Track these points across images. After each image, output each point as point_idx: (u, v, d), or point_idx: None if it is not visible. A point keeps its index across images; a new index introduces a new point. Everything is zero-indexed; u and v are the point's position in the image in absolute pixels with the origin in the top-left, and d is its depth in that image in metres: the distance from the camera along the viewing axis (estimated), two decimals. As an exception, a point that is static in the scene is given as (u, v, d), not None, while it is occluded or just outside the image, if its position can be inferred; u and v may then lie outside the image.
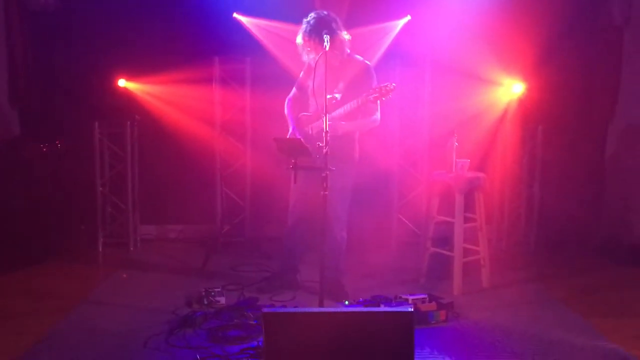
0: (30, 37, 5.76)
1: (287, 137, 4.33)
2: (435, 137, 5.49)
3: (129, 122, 5.69)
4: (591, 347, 3.63)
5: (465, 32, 5.21)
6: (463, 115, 5.29)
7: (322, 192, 3.65)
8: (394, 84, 4.03)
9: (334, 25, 4.18)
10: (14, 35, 5.63)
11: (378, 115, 4.33)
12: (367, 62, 4.42)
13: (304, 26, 4.24)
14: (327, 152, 3.64)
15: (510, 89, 5.42)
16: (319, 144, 3.71)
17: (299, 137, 4.22)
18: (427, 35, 5.38)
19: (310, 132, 4.33)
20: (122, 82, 5.66)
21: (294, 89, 4.58)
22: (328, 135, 3.66)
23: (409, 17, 5.39)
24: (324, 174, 3.64)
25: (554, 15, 5.31)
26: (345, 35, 4.28)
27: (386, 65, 5.55)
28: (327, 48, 3.78)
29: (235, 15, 5.44)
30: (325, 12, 4.25)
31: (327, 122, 3.70)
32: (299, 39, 4.27)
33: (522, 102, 5.44)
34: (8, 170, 5.34)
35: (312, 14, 4.25)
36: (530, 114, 5.52)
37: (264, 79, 5.51)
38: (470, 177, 4.58)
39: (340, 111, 4.20)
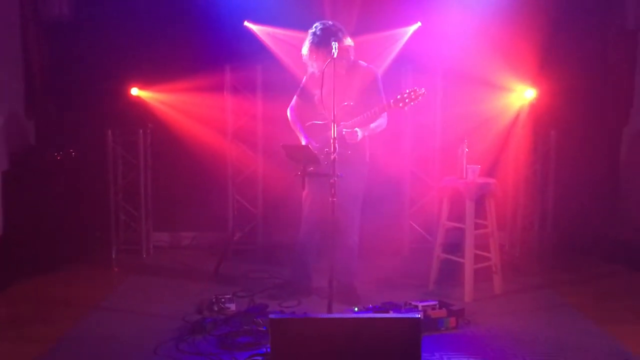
0: (45, 48, 5.85)
1: (297, 144, 4.35)
2: (447, 143, 5.48)
3: (141, 130, 5.75)
4: (605, 354, 3.58)
5: (476, 37, 5.20)
6: (474, 121, 5.28)
7: (330, 199, 3.65)
8: (424, 89, 4.04)
9: (340, 34, 4.20)
10: (30, 47, 5.73)
11: (385, 119, 4.36)
12: (372, 67, 4.45)
13: (309, 37, 4.27)
14: (335, 158, 3.64)
15: (521, 95, 5.39)
16: (326, 150, 3.73)
17: (307, 144, 4.26)
18: (438, 41, 5.38)
19: (329, 139, 4.32)
20: (135, 91, 5.73)
21: (295, 98, 4.59)
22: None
23: (419, 24, 5.40)
24: (331, 180, 3.64)
25: (567, 20, 5.29)
26: (350, 43, 4.30)
27: (397, 71, 5.57)
28: (335, 55, 3.78)
29: (246, 23, 5.49)
30: (331, 22, 4.28)
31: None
32: (305, 50, 4.31)
33: (533, 107, 5.41)
34: (24, 178, 5.42)
35: (318, 25, 4.27)
36: (542, 119, 5.48)
37: (275, 86, 5.51)
38: (480, 183, 4.55)
39: (358, 119, 4.22)
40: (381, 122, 4.34)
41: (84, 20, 5.79)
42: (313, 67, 4.37)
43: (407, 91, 4.05)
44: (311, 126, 4.46)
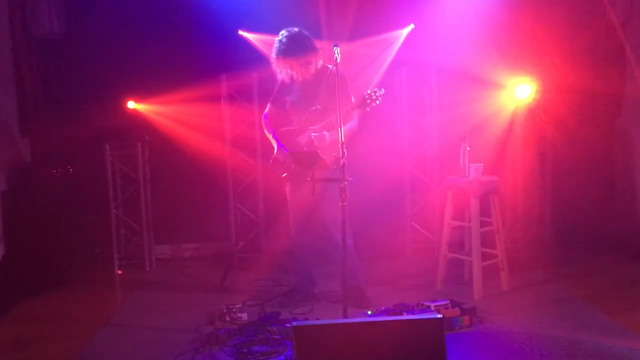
0: (37, 64, 5.79)
1: (275, 153, 4.39)
2: (445, 142, 5.53)
3: (139, 143, 5.74)
4: (619, 345, 3.62)
5: (471, 37, 5.24)
6: (472, 119, 5.31)
7: (341, 203, 3.65)
8: (383, 90, 4.04)
9: (306, 41, 4.25)
10: (21, 64, 5.67)
11: (357, 120, 4.35)
12: (340, 70, 4.41)
13: (276, 45, 4.29)
14: (344, 163, 3.65)
15: (517, 91, 5.44)
16: (335, 155, 3.74)
17: (286, 152, 4.30)
18: (432, 42, 5.41)
19: (300, 144, 4.34)
20: (131, 104, 5.70)
21: (269, 106, 4.60)
22: (344, 146, 3.68)
23: (412, 26, 5.43)
24: (342, 185, 3.65)
25: (557, 16, 5.35)
26: (318, 47, 4.32)
27: (392, 73, 5.60)
28: (339, 60, 3.79)
29: (240, 32, 5.49)
30: (296, 29, 4.29)
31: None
32: (273, 59, 4.31)
33: (530, 103, 5.46)
34: (22, 197, 5.35)
35: (284, 32, 4.29)
36: (538, 116, 5.54)
37: (272, 93, 5.53)
38: (485, 181, 4.60)
39: (325, 122, 4.23)
40: (352, 124, 4.32)
41: (75, 35, 5.75)
42: (281, 75, 4.38)
43: (368, 92, 4.04)
44: (283, 132, 4.47)
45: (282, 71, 4.37)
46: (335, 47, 3.88)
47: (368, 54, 5.44)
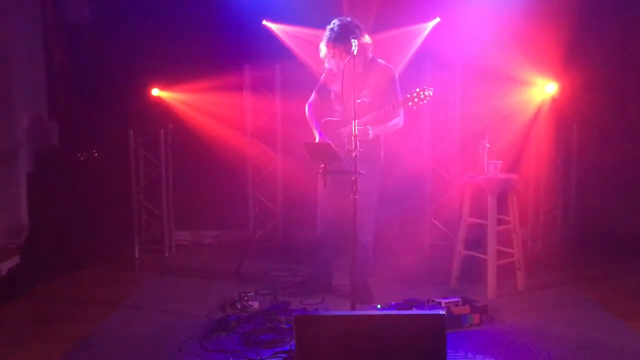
0: (67, 49, 5.92)
1: (316, 141, 4.36)
2: (467, 139, 5.46)
3: (162, 131, 5.81)
4: (631, 351, 3.54)
5: (496, 32, 5.16)
6: (495, 116, 5.24)
7: (351, 196, 3.65)
8: (432, 89, 4.01)
9: (357, 31, 4.21)
10: (52, 48, 5.81)
11: (402, 118, 4.35)
12: (390, 65, 4.44)
13: (327, 33, 4.28)
14: (356, 155, 3.64)
15: (542, 89, 5.34)
16: (347, 148, 3.73)
17: (328, 141, 4.26)
18: (458, 36, 5.35)
19: (341, 136, 4.35)
20: (155, 91, 5.78)
21: (314, 94, 4.60)
22: (357, 139, 3.67)
23: (438, 19, 5.37)
24: (353, 178, 3.64)
25: (586, 13, 5.23)
26: (368, 40, 4.30)
27: (416, 67, 5.55)
28: (355, 52, 3.78)
29: (264, 22, 5.51)
30: (349, 19, 4.27)
31: (357, 127, 3.72)
32: (323, 47, 4.32)
33: (555, 101, 5.35)
34: (48, 179, 5.49)
35: (336, 21, 4.27)
36: (563, 113, 5.42)
37: (294, 85, 5.53)
38: (502, 178, 4.53)
39: (371, 116, 4.22)
40: (397, 120, 4.34)
41: (104, 22, 5.86)
42: (330, 64, 4.38)
43: (417, 90, 4.02)
44: (326, 122, 4.47)
45: (330, 60, 4.34)
46: (352, 40, 3.86)
47: (391, 46, 5.39)
